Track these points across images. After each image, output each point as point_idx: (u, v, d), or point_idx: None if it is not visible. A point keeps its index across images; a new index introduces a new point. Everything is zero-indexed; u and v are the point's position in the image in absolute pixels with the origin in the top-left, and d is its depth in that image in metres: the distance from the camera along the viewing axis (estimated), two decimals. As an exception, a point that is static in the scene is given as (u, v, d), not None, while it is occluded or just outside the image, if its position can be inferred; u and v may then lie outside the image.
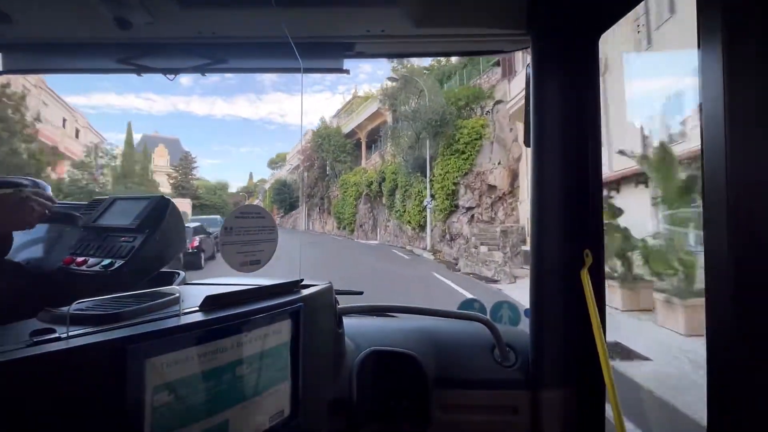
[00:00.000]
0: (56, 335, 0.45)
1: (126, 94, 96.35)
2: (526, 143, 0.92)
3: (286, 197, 37.64)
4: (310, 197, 33.39)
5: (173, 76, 1.12)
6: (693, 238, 5.34)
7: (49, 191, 0.92)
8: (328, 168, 29.87)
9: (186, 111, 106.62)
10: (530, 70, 0.91)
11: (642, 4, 0.74)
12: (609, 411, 0.77)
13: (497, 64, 14.57)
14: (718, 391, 0.49)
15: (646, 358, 4.13)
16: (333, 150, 28.02)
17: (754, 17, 0.45)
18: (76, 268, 0.82)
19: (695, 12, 0.50)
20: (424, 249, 15.65)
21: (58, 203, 0.97)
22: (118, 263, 0.80)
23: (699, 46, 0.49)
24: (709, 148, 0.49)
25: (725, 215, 0.46)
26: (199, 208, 34.81)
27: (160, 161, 39.61)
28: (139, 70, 1.10)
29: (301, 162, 33.41)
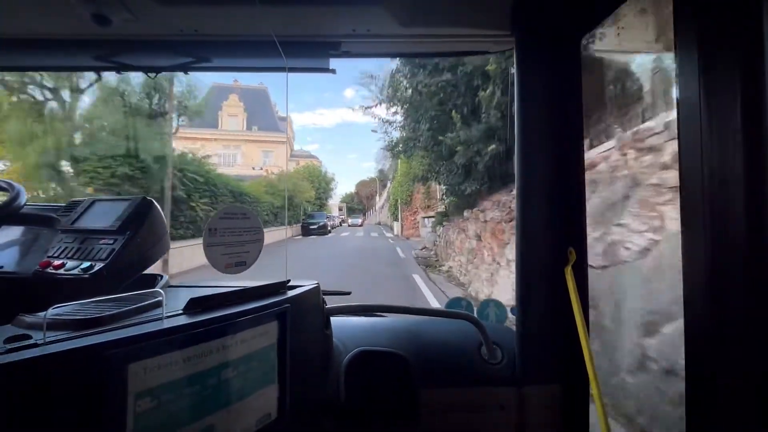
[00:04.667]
0: (32, 341, 0.43)
1: (305, 112, 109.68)
2: (510, 144, 0.93)
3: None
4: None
5: (155, 74, 1.10)
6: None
7: (23, 195, 0.88)
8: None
9: (351, 121, 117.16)
10: (514, 71, 0.92)
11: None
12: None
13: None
14: (696, 388, 0.50)
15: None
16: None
17: (727, 20, 0.47)
18: (53, 271, 0.79)
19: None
20: None
21: (34, 205, 0.93)
22: (98, 266, 0.78)
23: (675, 48, 0.51)
24: (685, 147, 0.50)
25: (701, 213, 0.48)
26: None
27: (231, 121, 21.88)
28: (120, 68, 1.08)
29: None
